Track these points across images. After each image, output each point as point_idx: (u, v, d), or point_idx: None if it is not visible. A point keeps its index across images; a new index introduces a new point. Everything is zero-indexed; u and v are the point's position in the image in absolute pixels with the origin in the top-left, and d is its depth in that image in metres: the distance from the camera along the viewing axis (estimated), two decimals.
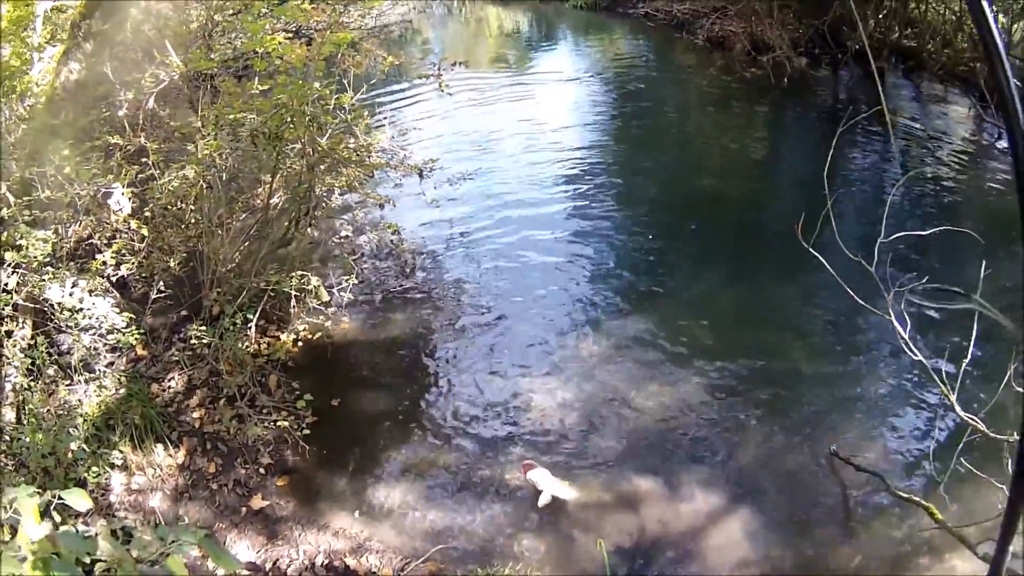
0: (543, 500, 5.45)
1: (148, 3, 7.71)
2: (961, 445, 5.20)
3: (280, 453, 5.83)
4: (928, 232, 5.78)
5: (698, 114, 14.17)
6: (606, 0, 20.84)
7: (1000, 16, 13.94)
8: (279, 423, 5.90)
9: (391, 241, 8.44)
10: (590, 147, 11.68)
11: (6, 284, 5.46)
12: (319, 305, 6.99)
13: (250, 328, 6.45)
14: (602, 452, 5.96)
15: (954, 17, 15.16)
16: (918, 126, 13.56)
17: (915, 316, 6.93)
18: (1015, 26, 13.73)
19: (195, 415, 5.93)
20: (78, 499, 3.07)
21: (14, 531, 2.24)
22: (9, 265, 5.50)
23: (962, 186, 10.96)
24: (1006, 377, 4.83)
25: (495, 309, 7.64)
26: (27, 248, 5.54)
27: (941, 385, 4.95)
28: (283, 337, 6.73)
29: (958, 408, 4.91)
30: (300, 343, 6.84)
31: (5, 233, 5.66)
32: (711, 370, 6.81)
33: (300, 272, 6.74)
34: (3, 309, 5.44)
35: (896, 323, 4.94)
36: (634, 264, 8.59)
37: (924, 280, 5.95)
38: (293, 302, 6.83)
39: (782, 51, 15.25)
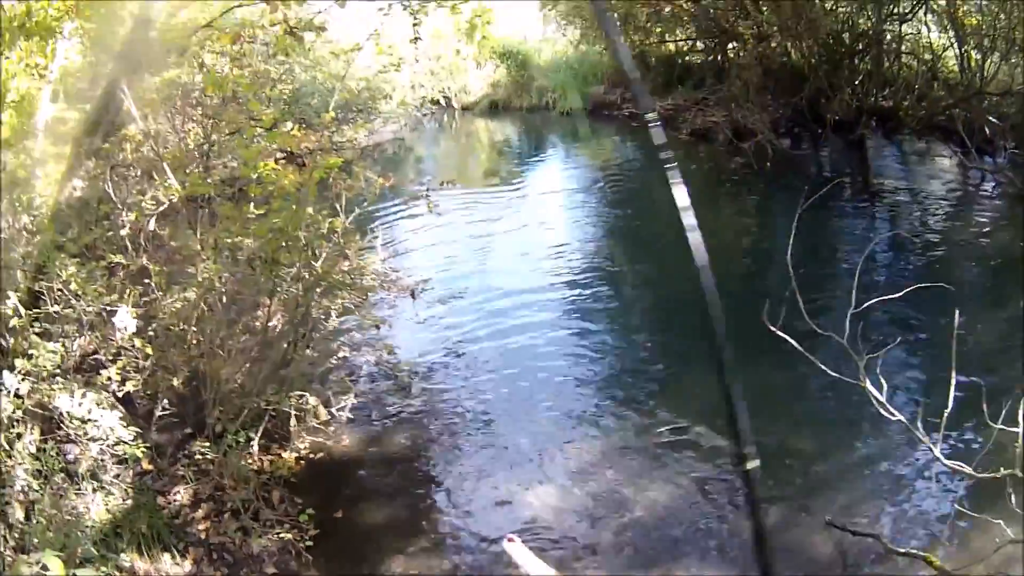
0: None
1: (147, 125, 8.08)
2: (960, 491, 5.32)
3: (285, 564, 5.89)
4: (898, 295, 5.95)
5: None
6: (591, 104, 21.48)
7: (972, 53, 14.32)
8: (283, 535, 5.99)
9: (387, 360, 8.65)
10: (580, 256, 12.06)
11: (17, 390, 5.64)
12: (319, 424, 7.18)
13: (252, 446, 6.61)
14: (602, 549, 6.01)
15: (926, 68, 15.61)
16: (903, 185, 13.87)
17: (897, 374, 7.12)
18: (987, 61, 14.07)
19: (201, 527, 6.01)
20: None
21: None
22: (20, 372, 5.69)
23: (948, 237, 11.15)
24: (1000, 416, 4.92)
25: (490, 421, 7.78)
26: (37, 358, 5.74)
27: (923, 439, 5.07)
28: (285, 454, 6.86)
29: (941, 458, 5.04)
30: (302, 460, 6.97)
31: (14, 341, 5.88)
32: (703, 461, 6.92)
33: (299, 392, 6.93)
34: (14, 413, 5.60)
35: (870, 387, 5.09)
36: (624, 367, 8.79)
37: (897, 341, 6.10)
38: (293, 421, 6.99)
39: (763, 135, 15.63)
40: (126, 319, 6.53)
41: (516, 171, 18.43)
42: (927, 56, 15.80)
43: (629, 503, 6.49)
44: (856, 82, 16.57)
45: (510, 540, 5.70)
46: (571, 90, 21.98)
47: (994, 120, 13.67)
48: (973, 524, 5.38)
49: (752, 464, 3.73)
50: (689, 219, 3.55)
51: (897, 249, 11.01)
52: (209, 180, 8.13)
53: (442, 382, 8.55)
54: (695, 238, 3.56)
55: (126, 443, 5.92)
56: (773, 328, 5.02)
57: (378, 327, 9.19)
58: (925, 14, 15.75)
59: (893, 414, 4.98)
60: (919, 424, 5.09)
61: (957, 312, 5.11)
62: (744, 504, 4.17)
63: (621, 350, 9.29)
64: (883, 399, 4.99)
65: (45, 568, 2.71)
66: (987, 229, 11.25)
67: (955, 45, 15.08)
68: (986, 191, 13.12)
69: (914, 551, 5.45)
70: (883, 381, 5.12)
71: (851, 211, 13.07)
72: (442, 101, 23.38)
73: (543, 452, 7.23)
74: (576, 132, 20.68)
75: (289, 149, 8.12)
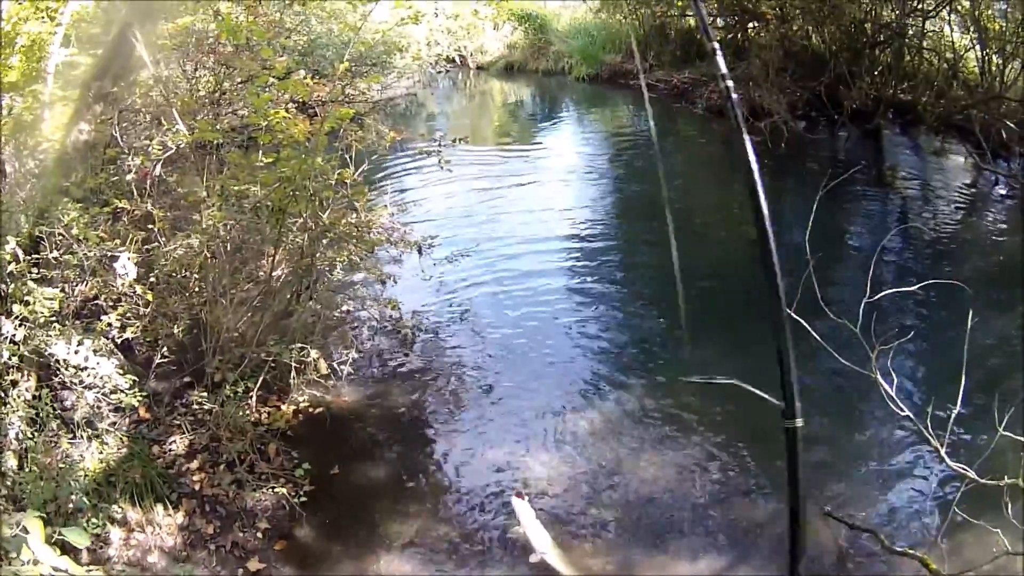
0: (534, 559, 5.47)
1: (158, 70, 7.95)
2: (958, 495, 5.25)
3: (278, 519, 5.86)
4: (914, 288, 5.87)
5: (699, 183, 14.39)
6: (607, 72, 21.26)
7: (994, 57, 14.16)
8: (277, 489, 5.95)
9: (391, 316, 8.57)
10: (591, 222, 11.92)
11: (13, 336, 5.57)
12: (319, 377, 7.10)
13: (251, 397, 6.55)
14: (599, 521, 5.96)
15: (947, 66, 15.42)
16: (916, 180, 13.81)
17: (908, 369, 7.04)
18: (1008, 67, 13.94)
19: (195, 478, 5.98)
20: (77, 536, 3.18)
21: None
22: (16, 318, 5.61)
23: (959, 236, 11.07)
24: (1002, 423, 4.87)
25: (493, 384, 7.71)
26: (34, 304, 5.66)
27: (931, 438, 5.01)
28: (283, 407, 6.81)
29: (947, 459, 4.97)
30: (300, 414, 6.91)
31: (13, 287, 5.80)
32: (705, 438, 6.85)
33: (300, 344, 6.86)
34: (9, 359, 5.54)
35: (881, 380, 5.02)
36: (632, 337, 8.69)
37: (910, 335, 6.02)
38: (293, 373, 6.91)
39: (779, 116, 15.45)
40: (127, 265, 6.46)
41: (528, 133, 18.32)
42: (948, 55, 15.59)
43: (630, 475, 6.44)
44: (876, 72, 16.39)
45: (519, 496, 5.72)
46: (588, 56, 21.75)
47: (1012, 125, 13.52)
48: (970, 530, 5.32)
49: (797, 423, 3.71)
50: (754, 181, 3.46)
51: (908, 242, 10.88)
52: (218, 127, 8.03)
53: (446, 340, 8.50)
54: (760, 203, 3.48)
55: (123, 392, 5.87)
56: (790, 312, 4.93)
57: (383, 282, 9.13)
58: (949, 13, 15.52)
59: (902, 409, 4.92)
60: (928, 422, 5.03)
61: (971, 312, 5.06)
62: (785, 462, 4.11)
63: (631, 316, 9.24)
64: (892, 392, 4.92)
65: (26, 530, 2.62)
66: (998, 231, 11.13)
67: (977, 47, 14.95)
68: (999, 194, 13.00)
69: (911, 551, 5.39)
70: (893, 374, 5.07)
71: (864, 200, 12.91)
72: (457, 59, 23.18)
73: (545, 416, 7.17)
74: (591, 98, 20.52)
75: (301, 99, 7.98)
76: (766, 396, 4.02)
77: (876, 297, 5.10)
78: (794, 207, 13.04)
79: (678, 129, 17.68)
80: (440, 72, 21.37)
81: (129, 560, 5.29)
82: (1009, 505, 4.93)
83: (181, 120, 7.32)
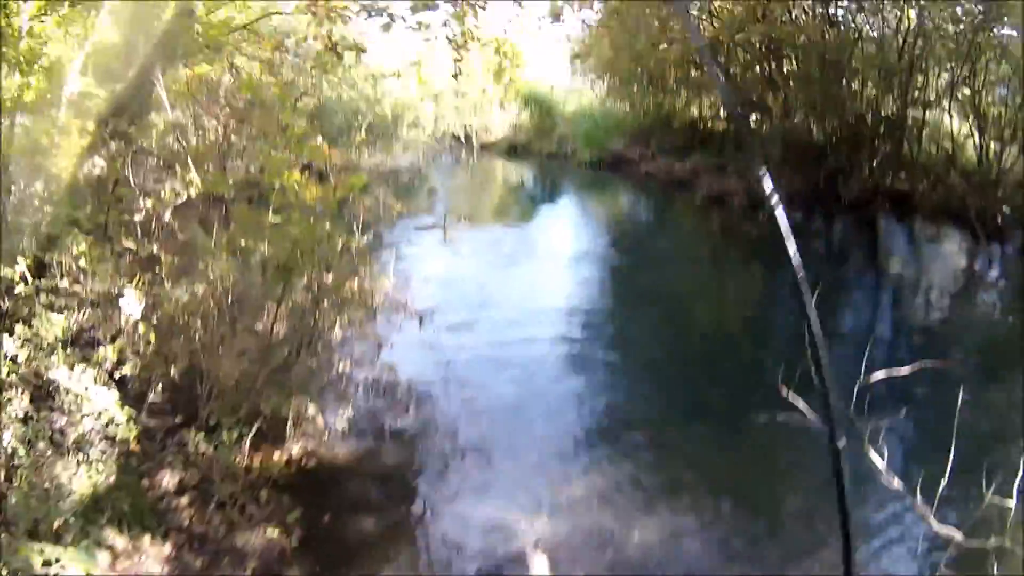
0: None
1: (173, 116, 8.12)
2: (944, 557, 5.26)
3: (268, 562, 5.82)
4: (908, 370, 5.96)
5: (698, 271, 14.65)
6: (610, 158, 21.59)
7: (991, 143, 14.46)
8: (268, 533, 5.94)
9: (387, 379, 8.63)
10: (589, 303, 12.16)
11: (15, 356, 5.62)
12: (313, 432, 7.15)
13: (244, 443, 6.58)
14: None
15: (945, 154, 15.79)
16: (912, 266, 13.93)
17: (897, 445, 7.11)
18: (1005, 152, 14.30)
19: (184, 514, 5.98)
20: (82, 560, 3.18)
21: None
22: (19, 338, 5.68)
23: (954, 318, 11.21)
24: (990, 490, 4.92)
25: (486, 450, 7.71)
26: (40, 327, 5.73)
27: (923, 511, 5.05)
28: (276, 456, 6.83)
29: (933, 522, 5.01)
30: (292, 463, 6.91)
31: (13, 305, 5.86)
32: (697, 512, 6.85)
33: (299, 398, 6.92)
34: (8, 376, 5.58)
35: (873, 455, 5.08)
36: (626, 417, 8.65)
37: (901, 413, 6.10)
38: (290, 424, 6.97)
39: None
40: (132, 303, 6.55)
41: (528, 213, 18.56)
42: (947, 144, 15.95)
43: (625, 540, 6.43)
44: (875, 163, 16.70)
45: (538, 550, 5.75)
46: (592, 141, 22.10)
47: (1007, 210, 13.88)
48: None
49: (842, 443, 3.76)
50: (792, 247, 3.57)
51: (903, 326, 11.02)
52: (230, 181, 8.20)
53: (440, 405, 8.52)
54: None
55: (117, 424, 5.89)
56: (787, 394, 5.03)
57: (380, 345, 9.22)
58: (949, 102, 15.92)
59: (892, 483, 4.97)
60: (917, 494, 5.08)
61: (962, 388, 5.15)
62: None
63: (621, 396, 9.29)
64: (883, 467, 4.97)
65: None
66: (992, 311, 11.30)
67: (975, 134, 15.30)
68: (993, 276, 13.26)
69: None
70: (885, 450, 5.12)
71: (859, 287, 13.15)
72: (462, 137, 23.50)
73: (539, 479, 7.20)
74: (592, 183, 20.78)
75: (315, 164, 8.19)
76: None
77: (872, 380, 5.18)
78: (789, 298, 13.27)
79: (677, 217, 17.91)
80: (444, 148, 21.64)
81: None
82: (995, 565, 4.93)
83: (195, 168, 7.46)
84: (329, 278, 7.54)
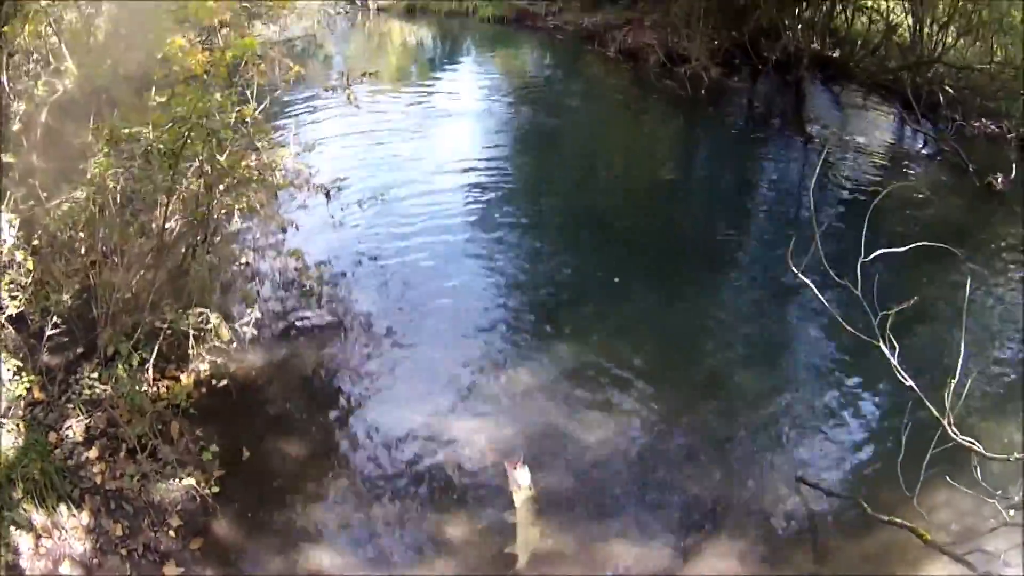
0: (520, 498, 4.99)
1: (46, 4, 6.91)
2: (928, 457, 4.91)
3: (191, 513, 5.12)
4: (904, 249, 5.41)
5: (612, 127, 14.04)
6: (513, 13, 20.55)
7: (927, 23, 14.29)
8: (186, 480, 5.18)
9: (294, 267, 7.75)
10: (501, 166, 11.30)
11: None
12: (220, 343, 6.28)
13: (146, 369, 5.70)
14: (550, 497, 5.35)
15: (886, 25, 15.54)
16: (838, 135, 13.60)
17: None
18: (943, 34, 14.10)
19: (95, 469, 5.21)
20: None
21: None
22: None
23: (890, 192, 10.94)
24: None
25: (411, 339, 7.05)
26: None
27: (933, 410, 4.68)
28: (183, 379, 5.98)
29: (952, 431, 4.64)
30: (202, 385, 6.09)
31: None
32: (653, 397, 6.37)
33: (199, 309, 6.03)
34: None
35: (885, 350, 4.61)
36: (556, 287, 8.17)
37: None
38: (192, 340, 6.08)
39: (699, 62, 15.26)
40: (4, 228, 5.50)
41: (429, 74, 17.47)
42: (887, 17, 15.66)
43: (562, 436, 5.98)
44: (800, 26, 16.29)
45: (512, 463, 5.13)
46: None
47: (949, 89, 13.74)
48: (971, 500, 5.02)
49: None
50: None
51: (832, 196, 10.69)
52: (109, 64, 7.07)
53: (354, 292, 7.79)
54: None
55: (5, 385, 5.04)
56: (797, 272, 4.68)
57: (284, 229, 8.29)
58: None
59: (906, 379, 4.51)
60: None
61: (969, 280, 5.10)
62: None
63: (551, 263, 8.68)
64: (894, 362, 4.49)
65: None
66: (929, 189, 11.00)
67: (908, 18, 15.07)
68: (924, 153, 13.04)
69: (898, 520, 5.08)
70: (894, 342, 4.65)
71: (785, 150, 12.88)
72: (357, 0, 22.04)
73: (466, 373, 6.61)
74: (495, 39, 19.86)
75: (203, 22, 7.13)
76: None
77: (871, 256, 4.76)
78: (717, 153, 13.10)
79: (588, 72, 17.17)
80: (339, 13, 20.22)
81: (42, 571, 4.60)
82: (978, 469, 4.83)
83: (69, 57, 6.33)
84: (223, 157, 6.49)
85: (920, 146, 13.25)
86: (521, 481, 5.06)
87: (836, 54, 16.12)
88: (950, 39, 14.09)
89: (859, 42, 16.03)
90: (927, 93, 13.67)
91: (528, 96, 15.13)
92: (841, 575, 5.03)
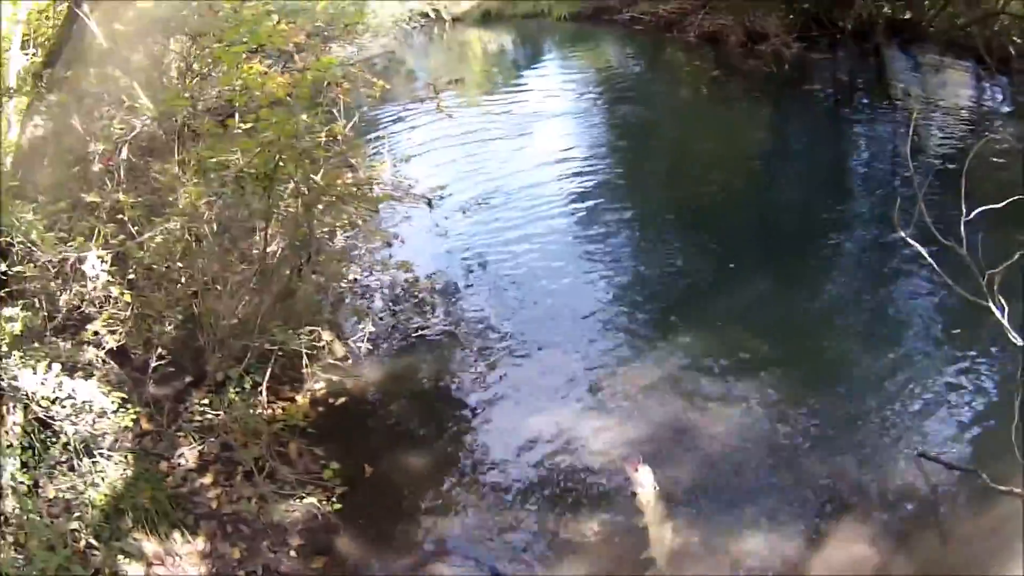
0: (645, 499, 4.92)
1: (110, 47, 7.02)
2: None
3: (312, 532, 5.07)
4: (1007, 202, 5.09)
5: (703, 112, 13.85)
6: (589, 9, 20.42)
7: None
8: (306, 499, 5.15)
9: (405, 280, 7.78)
10: (598, 161, 11.30)
11: None
12: (335, 360, 6.30)
13: (260, 393, 5.73)
14: (678, 492, 5.21)
15: None
16: (922, 97, 13.30)
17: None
18: None
19: (210, 495, 5.21)
20: None
21: None
22: None
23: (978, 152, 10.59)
24: None
25: (527, 342, 6.96)
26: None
27: None
28: (298, 399, 6.03)
29: None
30: (318, 404, 6.12)
31: None
32: (774, 383, 6.17)
33: (309, 328, 6.02)
34: None
35: (994, 308, 4.37)
36: (669, 278, 8.04)
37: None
38: (305, 359, 6.08)
39: (778, 38, 15.15)
40: (96, 265, 5.56)
41: (514, 77, 17.56)
42: None
43: (694, 432, 5.77)
44: None
45: (634, 463, 5.08)
46: None
47: (1017, 40, 13.23)
48: None
49: None
50: None
51: (924, 157, 10.21)
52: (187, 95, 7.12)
53: (466, 300, 7.76)
54: None
55: (109, 415, 4.98)
56: (904, 234, 4.56)
57: (389, 243, 8.33)
58: None
59: (1017, 339, 4.22)
60: None
61: None
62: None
63: (663, 259, 8.47)
64: (1005, 321, 4.23)
65: None
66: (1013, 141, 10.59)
67: None
68: (1005, 112, 12.55)
69: (1017, 490, 4.74)
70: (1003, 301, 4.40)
71: (873, 118, 12.59)
72: (431, 13, 22.16)
73: (581, 373, 6.48)
74: (574, 37, 19.73)
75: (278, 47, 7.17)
76: None
77: (972, 214, 4.48)
78: (808, 128, 12.86)
79: (671, 60, 16.96)
80: (415, 27, 20.36)
81: None
82: None
83: (142, 93, 6.43)
84: (318, 177, 6.48)
85: (1000, 99, 12.89)
86: (644, 482, 4.96)
87: (908, 16, 15.76)
88: None
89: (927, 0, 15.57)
90: (998, 47, 13.20)
91: (615, 90, 15.09)
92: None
